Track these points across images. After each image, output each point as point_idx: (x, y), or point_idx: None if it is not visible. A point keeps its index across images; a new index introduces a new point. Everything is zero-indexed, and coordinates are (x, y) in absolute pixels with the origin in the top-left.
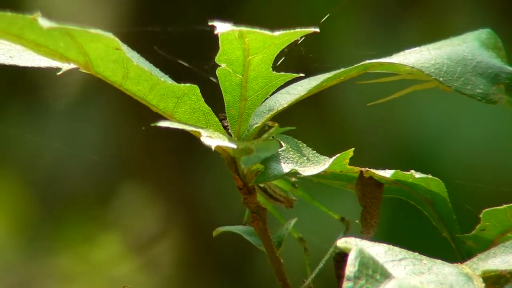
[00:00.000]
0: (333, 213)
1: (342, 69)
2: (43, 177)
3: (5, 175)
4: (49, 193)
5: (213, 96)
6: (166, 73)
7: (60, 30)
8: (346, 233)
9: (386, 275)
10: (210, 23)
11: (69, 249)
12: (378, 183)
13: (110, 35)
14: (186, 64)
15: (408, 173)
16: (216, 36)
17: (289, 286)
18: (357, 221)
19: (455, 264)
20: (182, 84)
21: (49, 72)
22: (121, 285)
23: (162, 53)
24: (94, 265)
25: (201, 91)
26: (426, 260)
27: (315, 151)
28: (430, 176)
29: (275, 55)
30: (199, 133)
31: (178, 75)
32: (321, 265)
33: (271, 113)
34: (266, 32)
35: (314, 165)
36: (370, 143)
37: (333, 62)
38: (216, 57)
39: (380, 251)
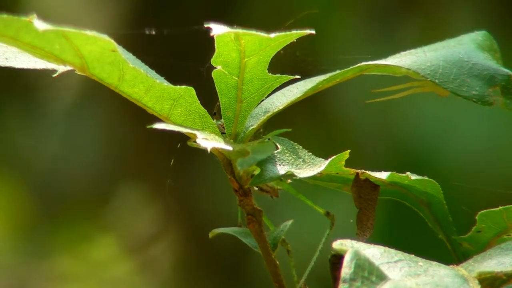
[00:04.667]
0: (318, 207)
1: (338, 71)
2: (40, 179)
3: (2, 177)
4: (47, 194)
5: (209, 98)
6: (161, 75)
7: (56, 32)
8: (332, 228)
9: (381, 277)
10: (206, 25)
11: (66, 250)
12: (374, 185)
13: (106, 37)
14: (182, 66)
15: (404, 175)
16: (212, 38)
17: None
18: (351, 220)
19: (451, 266)
20: (178, 86)
21: (47, 73)
22: (119, 286)
23: (158, 54)
24: (92, 266)
25: (196, 93)
26: (422, 262)
27: (311, 153)
28: (426, 178)
29: (271, 57)
30: (195, 135)
31: (174, 77)
32: (312, 263)
33: (267, 115)
34: (262, 34)
35: (310, 167)
36: (366, 145)
37: (329, 64)
38: (212, 59)
39: (375, 253)
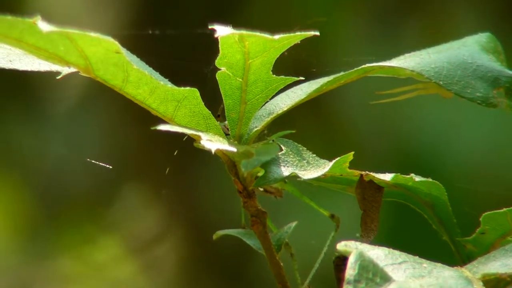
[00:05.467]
0: (323, 210)
1: (342, 73)
2: (43, 180)
3: (5, 178)
4: (49, 195)
5: (213, 100)
6: (166, 77)
7: (60, 33)
8: (337, 230)
9: (386, 279)
10: (210, 27)
11: (69, 251)
12: (378, 187)
13: (110, 38)
14: (186, 68)
15: (408, 176)
16: (216, 40)
17: None
18: (355, 222)
19: (455, 267)
20: (182, 88)
21: (50, 75)
22: (122, 287)
23: (161, 56)
24: (94, 267)
25: (201, 95)
26: (426, 263)
27: (315, 155)
28: (430, 179)
29: (275, 59)
30: (199, 136)
31: (178, 79)
32: (316, 265)
33: (271, 116)
34: (266, 36)
35: (314, 169)
36: (370, 146)
37: (333, 65)
38: (216, 61)
39: (380, 255)
